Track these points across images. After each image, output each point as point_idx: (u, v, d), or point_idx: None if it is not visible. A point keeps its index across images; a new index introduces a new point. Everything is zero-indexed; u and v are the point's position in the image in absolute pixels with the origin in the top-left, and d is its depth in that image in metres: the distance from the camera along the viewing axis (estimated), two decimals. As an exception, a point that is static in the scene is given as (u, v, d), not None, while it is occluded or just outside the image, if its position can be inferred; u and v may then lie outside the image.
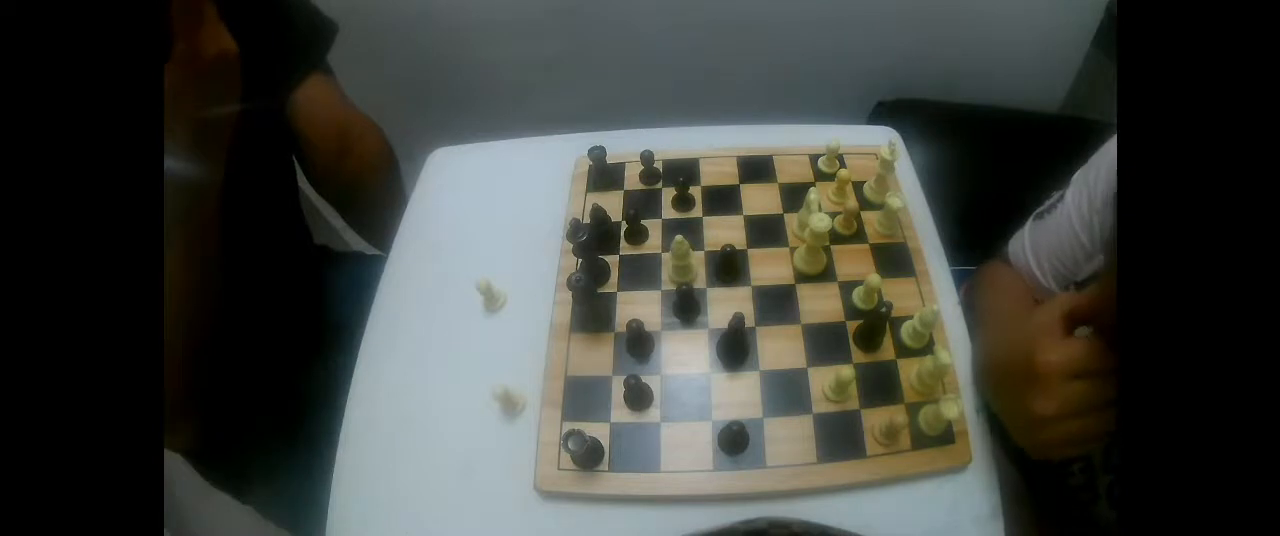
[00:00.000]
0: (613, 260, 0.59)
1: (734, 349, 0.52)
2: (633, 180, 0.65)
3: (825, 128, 0.68)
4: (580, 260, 0.56)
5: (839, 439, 0.48)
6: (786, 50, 1.11)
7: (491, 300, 0.57)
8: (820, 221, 0.53)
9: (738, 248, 0.58)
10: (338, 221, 0.91)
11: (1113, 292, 0.31)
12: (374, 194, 0.81)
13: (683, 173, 0.64)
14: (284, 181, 0.76)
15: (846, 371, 0.49)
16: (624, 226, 0.60)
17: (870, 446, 0.48)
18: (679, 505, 0.47)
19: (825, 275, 0.57)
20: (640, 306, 0.56)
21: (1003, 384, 0.48)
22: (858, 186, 0.63)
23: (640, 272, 0.58)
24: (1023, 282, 0.62)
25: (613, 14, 1.05)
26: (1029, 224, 0.62)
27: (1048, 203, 0.60)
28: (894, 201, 0.58)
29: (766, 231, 0.60)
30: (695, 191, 0.64)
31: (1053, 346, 0.42)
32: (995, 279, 0.64)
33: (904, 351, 0.53)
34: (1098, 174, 0.54)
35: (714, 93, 1.15)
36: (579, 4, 1.04)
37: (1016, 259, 0.63)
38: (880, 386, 0.51)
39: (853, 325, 0.54)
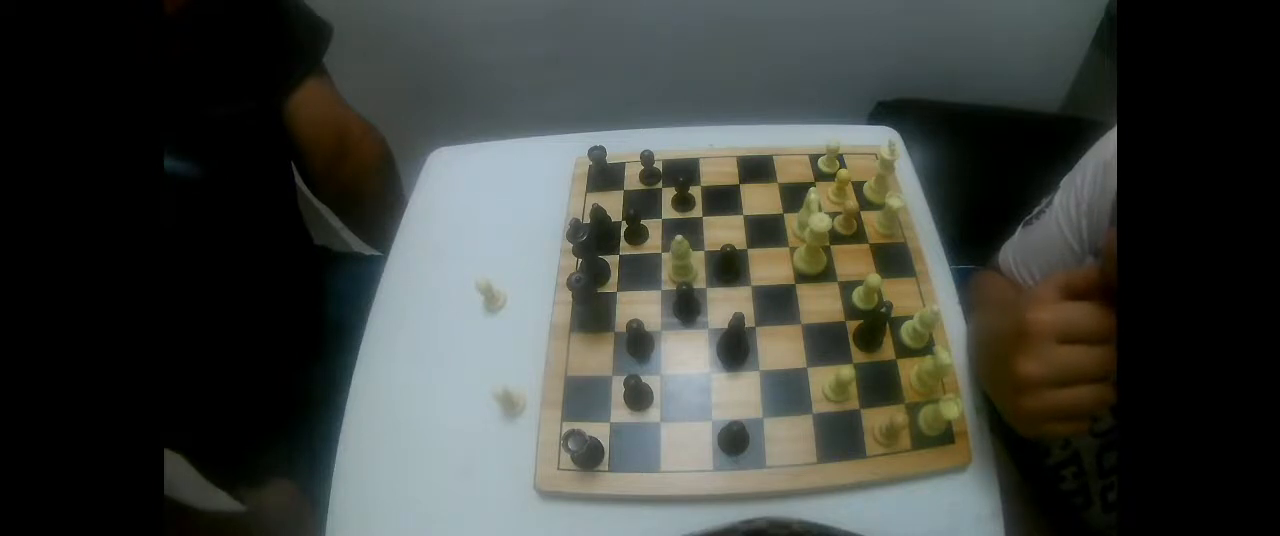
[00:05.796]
0: (613, 260, 0.59)
1: (734, 349, 0.52)
2: (633, 180, 0.65)
3: (825, 128, 0.68)
4: (580, 260, 0.56)
5: (839, 439, 0.48)
6: (786, 50, 1.11)
7: (491, 300, 0.57)
8: (820, 221, 0.53)
9: (738, 248, 0.58)
10: (337, 222, 0.91)
11: (1112, 268, 0.30)
12: (372, 196, 0.81)
13: (683, 173, 0.64)
14: (282, 184, 0.76)
15: (846, 371, 0.49)
16: (624, 226, 0.60)
17: (870, 446, 0.48)
18: (679, 505, 0.47)
19: (825, 275, 0.57)
20: (640, 306, 0.56)
21: (991, 349, 0.46)
22: (858, 186, 0.63)
23: (640, 273, 0.58)
24: (1014, 285, 0.62)
25: (612, 14, 1.05)
26: (1018, 232, 0.62)
27: (1036, 210, 0.60)
28: (894, 201, 0.58)
29: (766, 231, 0.60)
30: (695, 191, 0.64)
31: (1044, 307, 0.40)
32: (988, 283, 0.64)
33: (904, 351, 0.53)
34: (1084, 177, 0.54)
35: (714, 93, 1.15)
36: (579, 4, 1.04)
37: (1006, 266, 0.63)
38: (880, 386, 0.51)
39: (853, 325, 0.54)
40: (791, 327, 0.54)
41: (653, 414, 0.50)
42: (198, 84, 0.61)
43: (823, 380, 0.51)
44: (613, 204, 0.63)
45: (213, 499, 0.73)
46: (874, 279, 0.53)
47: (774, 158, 0.66)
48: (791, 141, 0.68)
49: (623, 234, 0.60)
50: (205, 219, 0.64)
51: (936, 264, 0.59)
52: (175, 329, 0.62)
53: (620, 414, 0.50)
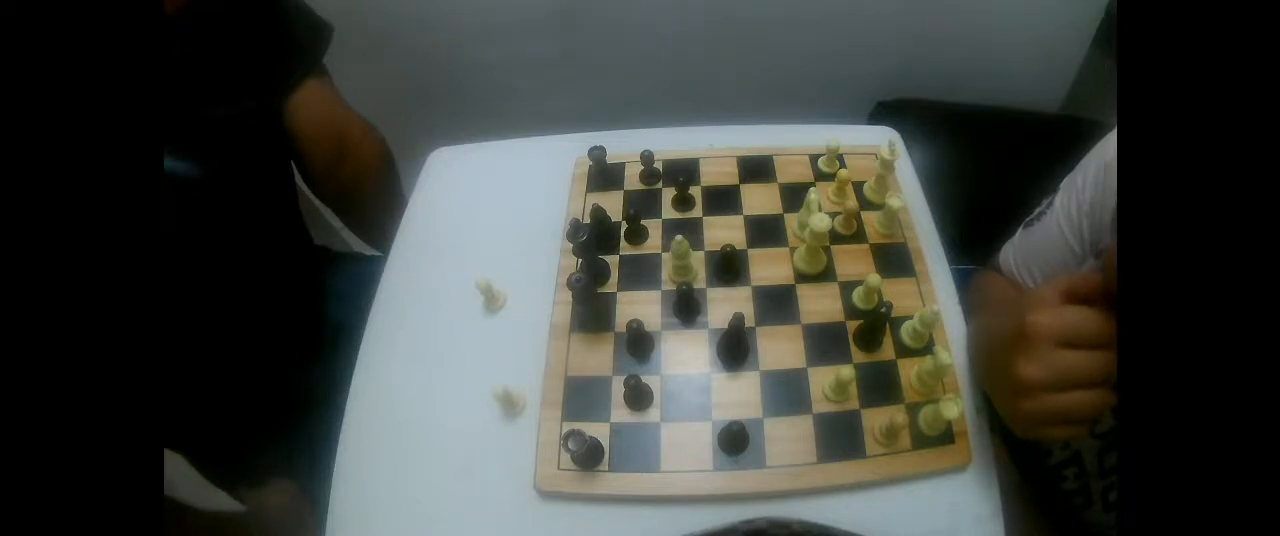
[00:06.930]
0: (613, 260, 0.59)
1: (734, 349, 0.52)
2: (633, 180, 0.65)
3: (825, 128, 0.68)
4: (580, 260, 0.56)
5: (839, 439, 0.48)
6: (786, 50, 1.11)
7: (491, 300, 0.57)
8: (820, 221, 0.53)
9: (738, 248, 0.58)
10: (337, 222, 0.91)
11: (1113, 276, 0.30)
12: (372, 196, 0.81)
13: (683, 173, 0.64)
14: (282, 184, 0.76)
15: (846, 371, 0.49)
16: (624, 226, 0.60)
17: (870, 446, 0.48)
18: (679, 505, 0.47)
19: (825, 275, 0.57)
20: (640, 306, 0.56)
21: (991, 351, 0.46)
22: (858, 186, 0.63)
23: (640, 273, 0.58)
24: (1015, 286, 0.62)
25: (612, 14, 1.05)
26: (1018, 233, 0.62)
27: (1036, 211, 0.60)
28: (894, 201, 0.58)
29: (766, 231, 0.60)
30: (695, 191, 0.64)
31: (1045, 310, 0.40)
32: (988, 283, 0.64)
33: (904, 351, 0.53)
34: (1085, 178, 0.54)
35: (714, 93, 1.15)
36: (579, 4, 1.04)
37: (1007, 267, 0.63)
38: (880, 386, 0.51)
39: (853, 325, 0.54)
40: (791, 327, 0.54)
41: (653, 414, 0.50)
42: (198, 84, 0.61)
43: (823, 380, 0.51)
44: (613, 204, 0.63)
45: (213, 499, 0.73)
46: (874, 279, 0.53)
47: (774, 158, 0.66)
48: (791, 141, 0.68)
49: (623, 234, 0.60)
50: (205, 219, 0.64)
51: (936, 264, 0.59)
52: (175, 329, 0.62)
53: (620, 414, 0.50)
